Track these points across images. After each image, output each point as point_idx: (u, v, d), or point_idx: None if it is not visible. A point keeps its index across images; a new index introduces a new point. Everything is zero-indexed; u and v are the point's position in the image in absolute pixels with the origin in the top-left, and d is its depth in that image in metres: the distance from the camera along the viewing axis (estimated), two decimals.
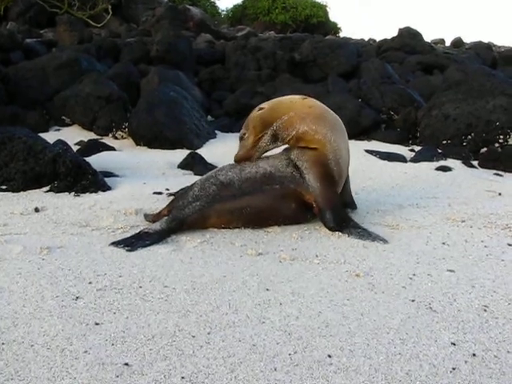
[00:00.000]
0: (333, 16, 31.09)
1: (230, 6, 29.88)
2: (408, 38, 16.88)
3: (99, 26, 19.44)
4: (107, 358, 2.21)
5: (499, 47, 27.10)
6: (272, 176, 4.22)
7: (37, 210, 4.62)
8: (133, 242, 3.79)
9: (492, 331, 2.56)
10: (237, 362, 2.20)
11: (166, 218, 4.12)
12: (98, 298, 2.81)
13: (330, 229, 4.14)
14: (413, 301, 2.89)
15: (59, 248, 3.63)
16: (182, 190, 4.84)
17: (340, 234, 4.06)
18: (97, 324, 2.51)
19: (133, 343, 2.34)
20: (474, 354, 2.33)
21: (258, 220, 4.20)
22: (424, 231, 4.30)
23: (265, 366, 2.17)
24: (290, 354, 2.26)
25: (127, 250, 3.63)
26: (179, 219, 4.08)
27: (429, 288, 3.08)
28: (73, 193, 5.26)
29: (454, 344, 2.41)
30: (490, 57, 18.23)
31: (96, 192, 5.30)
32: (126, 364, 2.17)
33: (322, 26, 28.19)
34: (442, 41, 29.54)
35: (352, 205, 4.86)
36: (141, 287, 2.97)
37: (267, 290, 2.97)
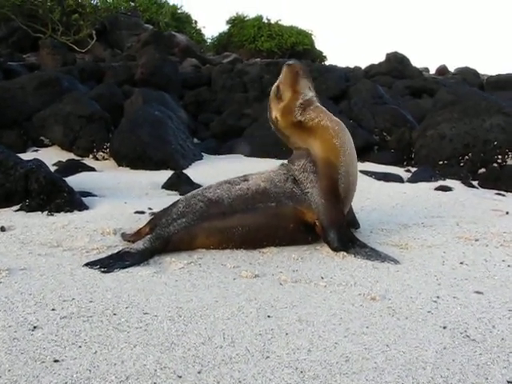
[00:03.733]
0: (319, 44, 31.13)
1: (216, 34, 29.60)
2: (395, 63, 16.79)
3: (83, 51, 19.10)
4: None
5: (483, 75, 27.18)
6: (266, 192, 3.74)
7: (2, 229, 4.09)
8: (110, 263, 3.28)
9: None
10: None
11: (148, 236, 3.61)
12: (60, 328, 2.26)
13: (335, 249, 3.65)
14: (444, 328, 2.39)
15: (22, 270, 3.09)
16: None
17: (345, 254, 3.58)
18: (56, 361, 1.97)
19: None
20: None
21: (252, 241, 3.69)
22: (437, 250, 3.84)
23: None
24: None
25: (102, 272, 3.12)
26: (163, 238, 3.58)
27: (459, 312, 2.59)
28: (46, 212, 4.73)
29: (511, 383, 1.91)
30: (477, 82, 18.21)
31: (72, 211, 4.78)
32: None
33: (308, 53, 28.06)
34: (427, 69, 29.63)
35: (355, 224, 4.40)
36: (115, 314, 2.44)
37: (268, 316, 2.44)
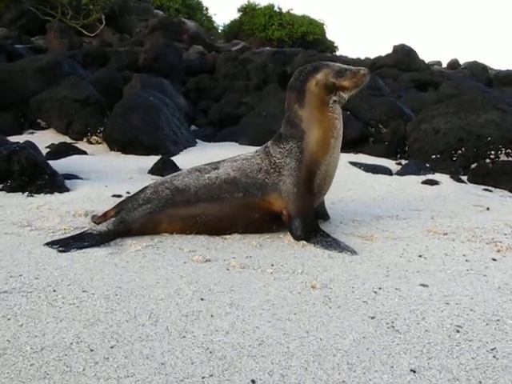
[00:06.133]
0: (330, 34, 31.00)
1: (227, 21, 29.55)
2: (402, 55, 16.68)
3: (92, 35, 19.18)
4: None
5: (495, 70, 26.96)
6: (235, 182, 3.76)
7: None
8: (69, 243, 3.37)
9: (463, 356, 2.11)
10: (133, 383, 1.75)
11: (113, 219, 3.70)
12: None
13: (297, 238, 3.70)
14: (373, 318, 2.44)
15: None
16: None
17: (305, 243, 3.63)
18: None
19: (13, 356, 1.89)
20: None
21: (215, 229, 3.74)
22: (400, 243, 3.87)
23: None
24: (203, 378, 1.80)
25: (59, 251, 3.21)
26: (127, 222, 3.66)
27: (395, 304, 2.64)
28: (26, 193, 4.83)
29: (414, 371, 1.96)
30: (485, 77, 18.05)
31: (52, 193, 4.88)
32: None
33: (319, 43, 27.99)
34: (439, 63, 29.48)
35: (324, 215, 4.43)
36: (55, 291, 2.53)
37: (202, 299, 2.52)
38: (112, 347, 2.00)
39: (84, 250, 3.27)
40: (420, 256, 3.58)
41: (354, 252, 3.55)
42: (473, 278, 3.15)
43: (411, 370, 1.97)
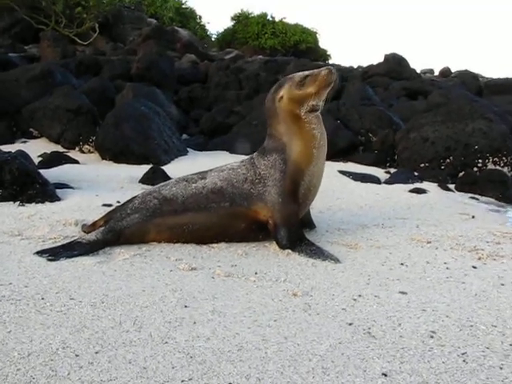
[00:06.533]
0: (323, 43, 31.26)
1: (221, 29, 29.76)
2: (394, 64, 16.85)
3: (85, 43, 19.28)
4: None
5: (487, 78, 27.23)
6: (221, 192, 3.84)
7: None
8: (59, 252, 3.45)
9: (434, 361, 2.21)
10: None
11: (101, 228, 3.78)
12: None
13: (282, 247, 3.78)
14: (350, 324, 2.54)
15: None
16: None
17: (290, 251, 3.72)
18: None
19: (0, 362, 1.98)
20: None
21: (202, 238, 3.83)
22: (384, 251, 3.97)
23: None
24: (183, 381, 1.89)
25: (48, 260, 3.30)
26: (115, 231, 3.74)
27: (373, 311, 2.73)
28: (18, 202, 4.91)
29: (386, 375, 2.06)
30: (475, 85, 18.23)
31: (43, 202, 4.97)
32: None
33: (312, 51, 28.22)
34: (432, 70, 29.75)
35: (310, 224, 4.52)
36: (43, 299, 2.62)
37: (185, 306, 2.61)
38: (97, 352, 2.08)
39: (73, 258, 3.36)
40: (402, 264, 3.67)
41: (337, 260, 3.63)
42: (451, 286, 3.24)
43: (383, 374, 2.06)
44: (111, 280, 2.95)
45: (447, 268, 3.63)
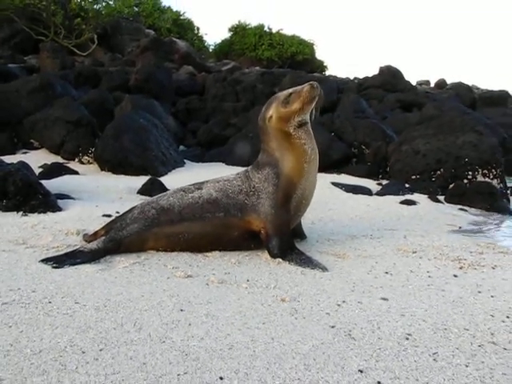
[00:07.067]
0: (320, 54, 31.60)
1: (219, 41, 30.08)
2: (388, 76, 17.11)
3: (84, 54, 19.55)
4: None
5: (482, 90, 27.54)
6: (216, 202, 4.07)
7: None
8: (63, 260, 3.67)
9: (407, 359, 2.43)
10: (119, 379, 2.07)
11: (103, 238, 4.00)
12: None
13: (273, 256, 4.01)
14: (333, 327, 2.76)
15: None
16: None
17: (280, 260, 3.94)
18: None
19: (15, 357, 2.21)
20: (378, 382, 2.20)
21: (197, 246, 4.07)
22: (370, 261, 4.19)
23: None
24: (178, 375, 2.12)
25: (53, 267, 3.52)
26: (116, 240, 3.96)
27: (355, 315, 2.96)
28: (21, 212, 5.12)
29: (362, 371, 2.28)
30: (469, 97, 18.49)
31: (45, 212, 5.19)
32: None
33: (308, 63, 28.56)
34: (428, 82, 30.03)
35: (301, 235, 4.75)
36: (50, 303, 2.84)
37: (181, 310, 2.83)
38: (101, 350, 2.31)
39: (76, 266, 3.58)
40: (386, 272, 3.89)
41: (325, 269, 3.86)
42: (431, 293, 3.47)
43: (359, 370, 2.29)
44: (112, 286, 3.17)
45: (429, 276, 3.85)
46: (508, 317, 3.05)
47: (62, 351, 2.27)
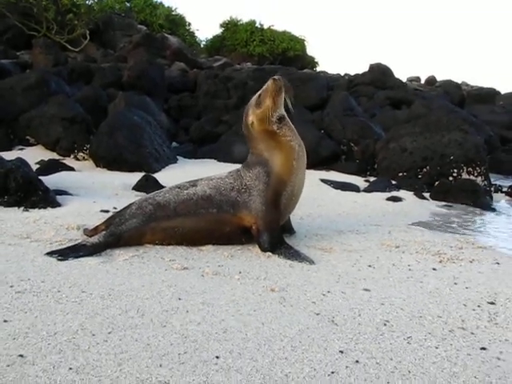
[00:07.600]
0: (311, 50, 31.82)
1: (210, 36, 30.22)
2: (378, 74, 17.31)
3: (77, 50, 19.65)
4: (4, 350, 2.34)
5: (472, 87, 27.84)
6: (210, 199, 4.32)
7: None
8: (67, 253, 3.91)
9: (383, 342, 2.71)
10: (127, 357, 2.33)
11: (103, 232, 4.24)
12: (14, 300, 2.93)
13: (264, 250, 4.27)
14: (317, 314, 3.03)
15: None
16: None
17: (270, 254, 4.20)
18: (5, 321, 2.64)
19: (33, 338, 2.47)
20: (357, 361, 2.47)
21: (191, 240, 4.32)
22: (355, 255, 4.45)
23: (152, 363, 2.30)
24: (179, 354, 2.39)
25: (58, 260, 3.75)
26: (116, 234, 4.20)
27: (338, 304, 3.23)
28: (22, 208, 5.33)
29: (342, 352, 2.56)
30: (457, 95, 18.75)
31: (45, 208, 5.39)
32: (21, 356, 2.30)
33: (300, 59, 28.79)
34: (418, 78, 30.27)
35: (290, 230, 5.00)
36: (59, 292, 3.10)
37: (179, 299, 3.10)
38: (109, 333, 2.58)
39: (80, 259, 3.82)
40: (370, 266, 4.16)
41: (312, 262, 4.12)
42: (410, 284, 3.75)
43: (340, 351, 2.57)
44: (114, 277, 3.43)
45: (410, 269, 4.13)
46: (479, 306, 3.35)
47: (75, 333, 2.54)
